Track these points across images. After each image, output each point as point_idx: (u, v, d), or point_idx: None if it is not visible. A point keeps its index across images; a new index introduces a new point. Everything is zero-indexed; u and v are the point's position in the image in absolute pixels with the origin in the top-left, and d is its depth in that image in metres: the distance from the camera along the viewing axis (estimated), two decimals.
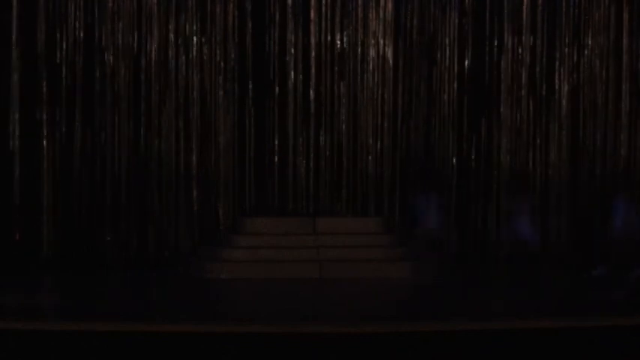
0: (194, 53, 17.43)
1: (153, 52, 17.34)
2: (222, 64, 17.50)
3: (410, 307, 13.20)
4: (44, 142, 17.19)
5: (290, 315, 12.20)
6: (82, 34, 17.27)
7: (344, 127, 17.68)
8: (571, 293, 14.44)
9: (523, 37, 17.66)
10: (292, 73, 17.60)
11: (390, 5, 17.64)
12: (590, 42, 17.67)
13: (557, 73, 17.58)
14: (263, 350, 10.67)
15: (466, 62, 17.64)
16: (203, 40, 17.44)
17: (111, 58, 17.24)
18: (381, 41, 17.66)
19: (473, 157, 17.62)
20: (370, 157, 17.63)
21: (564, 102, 17.65)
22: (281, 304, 13.42)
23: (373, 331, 10.99)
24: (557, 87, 17.64)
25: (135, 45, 17.33)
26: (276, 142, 17.56)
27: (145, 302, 13.77)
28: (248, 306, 13.33)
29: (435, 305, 13.37)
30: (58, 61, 17.18)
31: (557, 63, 17.57)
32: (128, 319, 11.60)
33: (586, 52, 17.60)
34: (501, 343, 10.85)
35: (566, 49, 17.63)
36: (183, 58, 17.40)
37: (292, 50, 17.57)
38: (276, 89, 17.58)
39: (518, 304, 13.63)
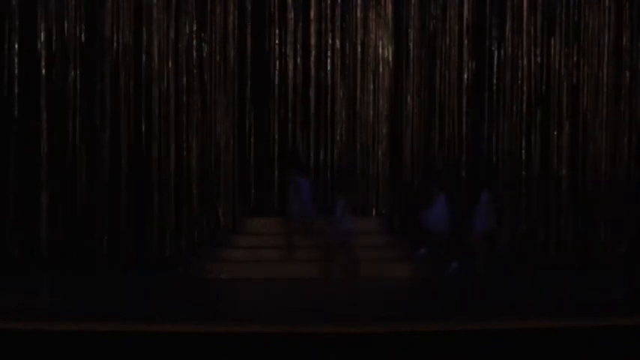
0: (194, 53, 17.45)
1: (153, 53, 17.36)
2: (222, 63, 17.52)
3: (410, 307, 13.20)
4: (44, 142, 17.25)
5: (290, 315, 12.21)
6: (82, 34, 17.31)
7: (344, 127, 17.71)
8: (571, 293, 14.45)
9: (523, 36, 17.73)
10: (292, 73, 17.61)
11: (389, 5, 17.66)
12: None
13: None
14: (263, 350, 10.68)
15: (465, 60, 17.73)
16: (203, 35, 17.45)
17: (111, 58, 17.28)
18: (381, 41, 17.68)
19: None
20: (370, 157, 17.68)
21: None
22: (281, 304, 13.42)
23: (373, 331, 10.99)
24: None
25: (135, 45, 17.35)
26: (276, 142, 17.57)
27: (145, 302, 13.77)
28: (248, 306, 13.34)
29: (435, 305, 13.38)
30: (58, 61, 17.23)
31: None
32: (128, 319, 11.61)
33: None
34: (501, 343, 10.85)
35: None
36: (184, 58, 17.42)
37: (292, 50, 17.58)
38: (276, 89, 17.59)
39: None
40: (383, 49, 17.67)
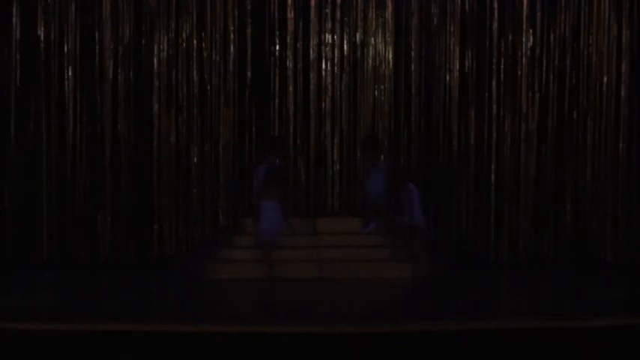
0: (194, 53, 17.45)
1: (153, 52, 17.36)
2: (222, 64, 17.51)
3: (410, 307, 13.20)
4: (43, 142, 17.26)
5: (290, 315, 12.20)
6: (82, 34, 17.32)
7: (344, 126, 17.70)
8: (572, 293, 14.44)
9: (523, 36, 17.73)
10: (292, 73, 17.60)
11: (390, 4, 17.65)
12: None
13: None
14: (262, 350, 10.67)
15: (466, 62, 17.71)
16: (203, 35, 17.44)
17: (111, 57, 17.28)
18: (381, 40, 17.67)
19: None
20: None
21: None
22: (281, 304, 13.42)
23: (373, 331, 10.99)
24: None
25: (135, 45, 17.36)
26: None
27: (145, 302, 13.77)
28: (248, 306, 13.33)
29: (435, 305, 13.38)
30: (58, 59, 17.25)
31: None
32: (128, 319, 11.60)
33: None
34: (501, 343, 10.85)
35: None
36: (184, 58, 17.42)
37: (292, 50, 17.58)
38: (276, 89, 17.59)
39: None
40: (384, 46, 17.66)
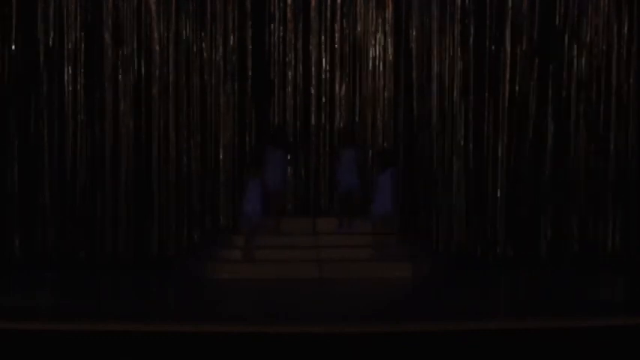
0: (194, 53, 17.45)
1: (153, 52, 17.37)
2: (221, 63, 17.52)
3: (410, 307, 13.20)
4: (44, 142, 17.27)
5: (290, 315, 12.21)
6: (82, 33, 17.32)
7: (343, 126, 17.72)
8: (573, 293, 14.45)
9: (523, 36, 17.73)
10: (292, 73, 17.61)
11: (390, 4, 17.65)
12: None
13: None
14: (262, 350, 10.68)
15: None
16: (203, 34, 17.45)
17: (111, 57, 17.29)
18: (381, 39, 17.67)
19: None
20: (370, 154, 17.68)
21: None
22: (281, 304, 13.42)
23: (373, 331, 10.99)
24: None
25: (135, 44, 17.36)
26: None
27: (145, 302, 13.77)
28: (248, 306, 13.33)
29: (435, 305, 13.38)
30: (58, 59, 17.25)
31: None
32: (128, 319, 11.61)
33: None
34: (501, 343, 10.86)
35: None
36: (184, 58, 17.42)
37: (292, 50, 17.59)
38: (276, 89, 17.60)
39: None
40: (384, 45, 17.66)
